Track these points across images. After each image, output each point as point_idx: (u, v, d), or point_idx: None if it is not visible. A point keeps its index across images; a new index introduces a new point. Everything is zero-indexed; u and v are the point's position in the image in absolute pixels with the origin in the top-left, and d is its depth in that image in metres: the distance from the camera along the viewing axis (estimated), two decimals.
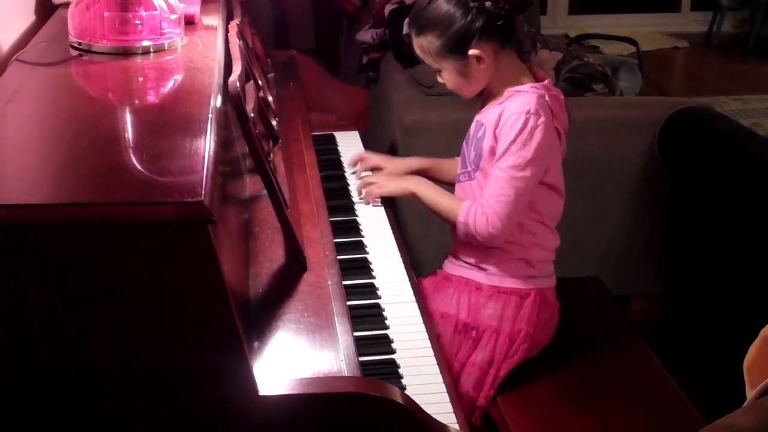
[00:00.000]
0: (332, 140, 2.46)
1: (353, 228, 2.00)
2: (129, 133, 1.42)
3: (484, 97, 1.97)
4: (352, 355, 1.42)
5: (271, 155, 1.72)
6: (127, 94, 1.64)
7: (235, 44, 1.69)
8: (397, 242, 1.98)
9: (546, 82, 1.89)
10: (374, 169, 2.19)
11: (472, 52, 1.83)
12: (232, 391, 1.23)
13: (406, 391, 1.43)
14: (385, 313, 1.73)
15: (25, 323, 1.18)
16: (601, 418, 1.85)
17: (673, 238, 2.85)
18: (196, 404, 1.24)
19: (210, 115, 1.42)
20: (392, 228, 2.03)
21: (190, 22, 1.90)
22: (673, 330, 2.88)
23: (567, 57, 2.93)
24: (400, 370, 1.58)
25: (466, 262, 1.97)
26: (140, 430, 1.25)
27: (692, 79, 5.75)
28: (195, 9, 1.96)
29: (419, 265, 2.51)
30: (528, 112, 1.80)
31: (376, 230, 2.01)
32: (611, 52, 5.11)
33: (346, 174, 2.25)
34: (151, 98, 1.62)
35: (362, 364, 1.47)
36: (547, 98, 1.84)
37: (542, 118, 1.81)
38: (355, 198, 2.13)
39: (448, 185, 2.11)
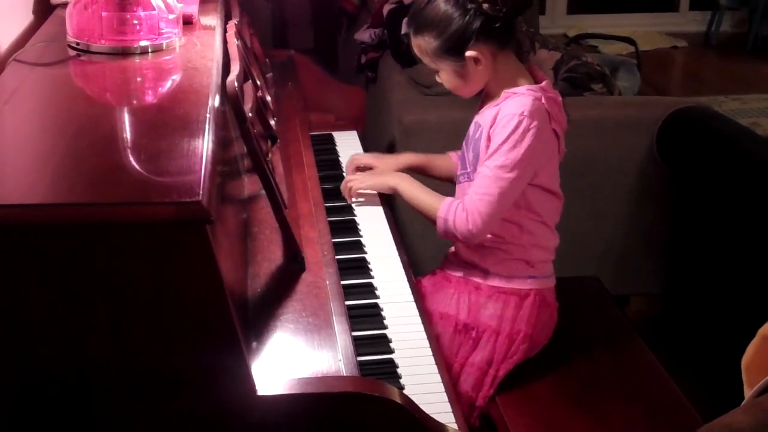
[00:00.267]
0: (331, 140, 2.46)
1: (352, 228, 2.00)
2: (127, 133, 1.42)
3: (483, 98, 1.97)
4: (351, 354, 1.42)
5: (270, 155, 1.72)
6: (125, 94, 1.64)
7: (234, 44, 1.69)
8: (395, 242, 1.98)
9: (544, 83, 1.89)
10: (366, 169, 2.19)
11: (469, 53, 1.83)
12: (231, 391, 1.23)
13: (404, 391, 1.44)
14: (383, 313, 1.73)
15: (24, 323, 1.18)
16: (599, 418, 1.85)
17: (672, 237, 2.85)
18: (195, 404, 1.24)
19: (208, 115, 1.42)
20: (391, 227, 2.03)
21: (188, 22, 1.90)
22: (672, 329, 2.88)
23: (565, 57, 2.93)
24: (399, 370, 1.58)
25: (466, 262, 1.97)
26: (138, 430, 1.25)
27: (691, 79, 5.75)
28: (193, 9, 1.96)
29: (418, 265, 2.51)
30: (522, 114, 1.80)
31: (374, 230, 2.01)
32: (610, 52, 5.11)
33: (344, 174, 2.24)
34: (150, 98, 1.62)
35: (361, 363, 1.47)
36: (543, 100, 1.84)
37: (535, 122, 1.81)
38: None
39: (443, 182, 2.12)
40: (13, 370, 1.21)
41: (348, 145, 2.43)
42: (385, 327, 1.69)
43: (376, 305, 1.75)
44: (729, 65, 5.96)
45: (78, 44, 1.74)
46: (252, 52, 2.00)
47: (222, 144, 1.52)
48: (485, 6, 1.79)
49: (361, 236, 1.97)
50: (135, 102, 1.61)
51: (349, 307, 1.61)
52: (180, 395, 1.24)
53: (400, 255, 1.93)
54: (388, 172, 2.09)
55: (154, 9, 1.74)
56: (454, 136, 2.19)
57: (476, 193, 1.84)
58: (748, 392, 0.99)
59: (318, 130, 2.46)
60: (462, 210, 1.85)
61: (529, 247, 1.93)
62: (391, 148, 2.76)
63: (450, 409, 1.51)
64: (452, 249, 2.04)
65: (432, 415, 1.32)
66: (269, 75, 2.37)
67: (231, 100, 1.47)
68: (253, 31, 2.28)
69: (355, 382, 1.31)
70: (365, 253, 1.91)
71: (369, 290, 1.79)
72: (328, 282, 1.59)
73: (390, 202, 2.17)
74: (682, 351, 2.76)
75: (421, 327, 1.72)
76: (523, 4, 1.85)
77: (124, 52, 1.72)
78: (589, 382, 1.96)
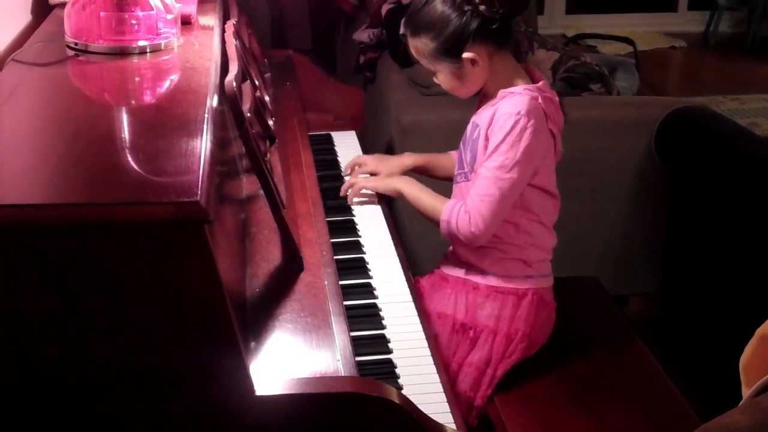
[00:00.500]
0: (329, 140, 2.46)
1: (350, 228, 2.00)
2: (126, 133, 1.42)
3: (480, 99, 1.97)
4: (349, 354, 1.42)
5: (268, 155, 1.72)
6: (123, 94, 1.64)
7: (232, 44, 1.69)
8: (394, 242, 1.98)
9: (540, 83, 1.89)
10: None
11: (466, 55, 1.83)
12: (229, 391, 1.23)
13: (402, 391, 1.43)
14: (381, 313, 1.73)
15: (22, 322, 1.18)
16: (598, 418, 1.85)
17: (671, 237, 2.85)
18: (193, 404, 1.24)
19: (206, 115, 1.42)
20: (389, 228, 2.03)
21: (186, 22, 1.90)
22: (670, 329, 2.89)
23: (564, 57, 2.93)
24: (397, 370, 1.59)
25: (464, 262, 1.98)
26: (137, 430, 1.25)
27: (689, 79, 5.75)
28: (191, 9, 1.96)
29: (417, 265, 2.51)
30: (518, 114, 1.80)
31: (373, 230, 2.01)
32: (608, 52, 5.11)
33: (342, 174, 2.24)
34: (148, 98, 1.62)
35: (359, 363, 1.47)
36: (540, 100, 1.84)
37: (532, 121, 1.81)
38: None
39: (445, 181, 2.12)
40: (13, 370, 1.21)
41: (346, 145, 2.43)
42: (383, 327, 1.69)
43: (374, 305, 1.75)
44: (727, 65, 5.96)
45: (76, 44, 1.74)
46: (250, 52, 2.00)
47: (220, 144, 1.52)
48: (482, 7, 1.79)
49: (359, 236, 1.97)
50: (133, 102, 1.61)
51: (348, 307, 1.61)
52: (178, 395, 1.24)
53: (398, 255, 1.94)
54: (393, 175, 2.09)
55: (153, 9, 1.74)
56: (452, 136, 2.19)
57: (477, 194, 1.84)
58: (746, 392, 0.99)
59: (316, 130, 2.46)
60: (464, 212, 1.85)
61: (526, 247, 1.93)
62: (389, 148, 2.76)
63: (448, 409, 1.51)
64: (450, 249, 2.04)
65: (430, 415, 1.33)
66: (267, 75, 2.37)
67: (229, 100, 1.47)
68: (251, 31, 2.28)
69: (353, 382, 1.31)
70: (364, 253, 1.91)
71: (367, 290, 1.79)
72: (326, 282, 1.59)
73: (388, 201, 2.17)
74: (680, 351, 2.76)
75: (420, 327, 1.72)
76: (520, 5, 1.84)
77: (123, 52, 1.72)
78: (588, 382, 1.96)
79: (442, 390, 1.56)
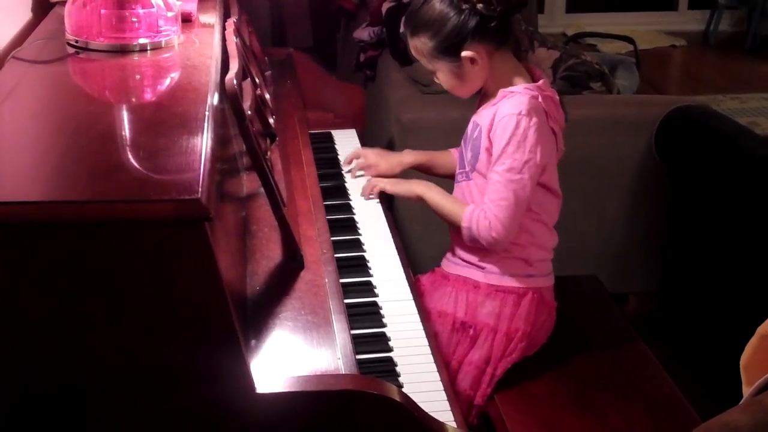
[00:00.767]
0: (329, 138, 2.46)
1: (350, 226, 2.00)
2: (126, 130, 1.42)
3: (481, 98, 1.97)
4: (350, 352, 1.42)
5: (269, 153, 1.71)
6: (124, 91, 1.64)
7: (232, 42, 1.69)
8: (394, 240, 1.98)
9: (541, 82, 1.89)
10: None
11: (465, 53, 1.82)
12: (230, 389, 1.23)
13: (403, 389, 1.43)
14: (382, 311, 1.73)
15: (22, 320, 1.18)
16: (597, 416, 1.85)
17: (671, 236, 2.85)
18: (194, 402, 1.24)
19: (207, 113, 1.42)
20: (390, 226, 2.03)
21: (187, 19, 1.90)
22: (670, 328, 2.89)
23: (564, 55, 2.93)
24: (398, 368, 1.58)
25: (464, 261, 1.97)
26: (137, 428, 1.25)
27: (689, 78, 5.75)
28: (192, 7, 1.96)
29: (417, 263, 2.51)
30: (519, 114, 1.80)
31: (373, 228, 2.01)
32: (609, 51, 5.11)
33: (343, 172, 2.24)
34: (149, 96, 1.62)
35: (359, 361, 1.47)
36: (540, 99, 1.84)
37: (534, 119, 1.80)
38: (352, 196, 2.12)
39: (446, 178, 2.12)
40: (13, 369, 1.21)
41: (347, 143, 2.42)
42: (384, 325, 1.69)
43: (375, 303, 1.74)
44: (728, 64, 5.96)
45: (77, 42, 1.74)
46: (251, 50, 2.00)
47: (221, 142, 1.52)
48: (479, 6, 1.79)
49: (360, 234, 1.97)
50: (134, 100, 1.61)
51: (348, 305, 1.61)
52: (178, 393, 1.24)
53: (398, 253, 1.93)
54: (413, 180, 2.09)
55: (153, 7, 1.74)
56: (452, 135, 2.19)
57: (491, 200, 1.84)
58: (746, 391, 0.99)
59: (317, 129, 2.46)
60: (484, 218, 1.85)
61: (527, 246, 1.93)
62: (389, 146, 2.75)
63: (449, 407, 1.51)
64: (451, 247, 2.04)
65: (431, 413, 1.33)
66: (268, 73, 2.37)
67: (230, 98, 1.47)
68: (251, 29, 2.28)
69: (354, 380, 1.31)
70: (364, 251, 1.91)
71: (368, 288, 1.79)
72: (327, 280, 1.59)
73: (389, 200, 2.17)
74: (680, 349, 2.76)
75: (420, 325, 1.72)
76: (518, 4, 1.84)
77: (123, 50, 1.72)
78: (588, 380, 1.96)
79: (442, 388, 1.56)
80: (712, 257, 2.63)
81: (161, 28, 1.76)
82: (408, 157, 2.17)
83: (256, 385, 1.23)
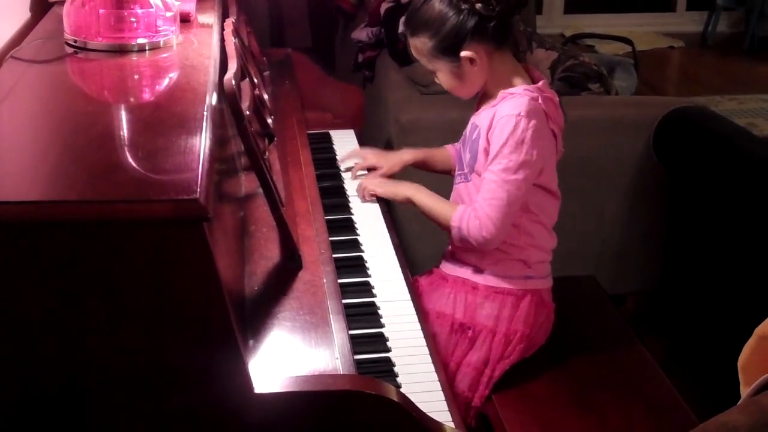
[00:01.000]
0: (328, 139, 2.46)
1: (349, 226, 2.00)
2: (125, 130, 1.42)
3: (480, 98, 1.97)
4: (348, 353, 1.42)
5: (267, 153, 1.71)
6: (122, 91, 1.64)
7: (231, 42, 1.69)
8: (392, 241, 1.98)
9: (540, 83, 1.89)
10: (370, 169, 2.20)
11: (464, 53, 1.82)
12: (228, 389, 1.23)
13: (401, 390, 1.43)
14: (380, 312, 1.73)
15: (20, 320, 1.18)
16: (596, 417, 1.85)
17: (669, 237, 2.85)
18: (192, 402, 1.24)
19: (205, 113, 1.42)
20: (388, 226, 2.03)
21: (185, 19, 1.90)
22: (669, 328, 2.89)
23: (563, 56, 2.93)
24: (396, 368, 1.58)
25: (463, 262, 1.97)
26: (136, 428, 1.25)
27: (688, 79, 5.76)
28: (191, 7, 1.96)
29: (415, 264, 2.51)
30: (519, 115, 1.80)
31: (371, 228, 2.01)
32: (607, 52, 5.11)
33: (341, 172, 2.25)
34: (147, 96, 1.62)
35: (357, 362, 1.47)
36: (540, 100, 1.84)
37: (533, 121, 1.80)
38: (350, 196, 2.13)
39: (445, 175, 2.12)
40: (13, 369, 1.21)
41: (345, 143, 2.43)
42: (382, 325, 1.69)
43: (373, 304, 1.74)
44: (726, 65, 5.97)
45: (75, 41, 1.74)
46: (249, 51, 2.00)
47: (219, 142, 1.52)
48: (478, 5, 1.79)
49: (358, 234, 1.97)
50: (132, 99, 1.60)
51: (346, 306, 1.61)
52: (177, 393, 1.23)
53: (397, 254, 1.94)
54: (400, 181, 2.09)
55: (152, 7, 1.74)
56: (451, 135, 2.20)
57: (484, 199, 1.84)
58: (744, 391, 0.99)
59: (315, 129, 2.46)
60: (474, 218, 1.85)
61: (526, 248, 1.93)
62: (388, 147, 2.76)
63: (447, 408, 1.51)
64: (449, 248, 2.04)
65: (429, 414, 1.33)
66: (266, 73, 2.37)
67: (228, 98, 1.47)
68: (250, 30, 2.28)
69: (352, 380, 1.31)
70: (362, 251, 1.91)
71: (366, 289, 1.79)
72: (325, 280, 1.59)
73: (387, 200, 2.17)
74: (678, 350, 2.76)
75: (418, 326, 1.72)
76: (517, 4, 1.84)
77: (122, 50, 1.72)
78: (586, 381, 1.96)
79: (440, 388, 1.56)
80: (710, 258, 2.63)
81: (160, 28, 1.76)
82: (407, 155, 2.18)
83: (254, 385, 1.23)
